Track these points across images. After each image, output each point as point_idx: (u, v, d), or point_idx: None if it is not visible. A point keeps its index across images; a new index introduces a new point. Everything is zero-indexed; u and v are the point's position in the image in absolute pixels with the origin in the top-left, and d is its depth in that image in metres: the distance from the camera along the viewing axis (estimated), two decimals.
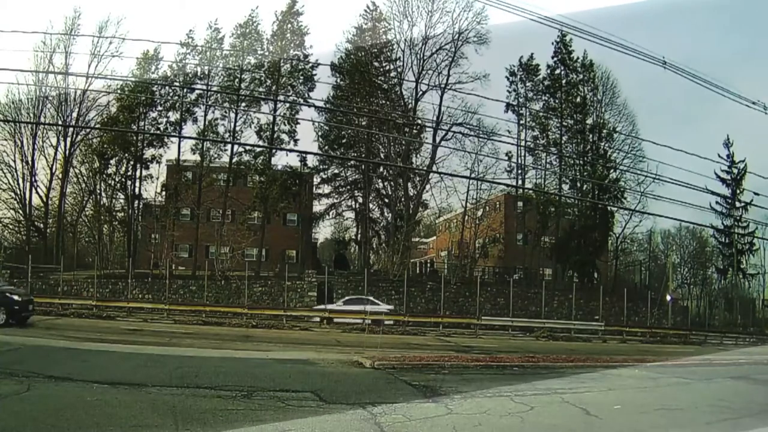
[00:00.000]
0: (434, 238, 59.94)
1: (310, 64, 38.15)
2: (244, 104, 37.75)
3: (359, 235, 43.86)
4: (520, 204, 42.69)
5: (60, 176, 38.52)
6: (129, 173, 38.82)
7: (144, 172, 38.91)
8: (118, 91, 36.50)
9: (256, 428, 6.44)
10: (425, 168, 39.11)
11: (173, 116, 38.20)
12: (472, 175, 37.04)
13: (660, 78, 41.01)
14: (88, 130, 38.65)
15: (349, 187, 43.34)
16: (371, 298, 29.59)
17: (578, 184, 42.21)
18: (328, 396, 8.36)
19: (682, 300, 47.96)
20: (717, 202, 41.70)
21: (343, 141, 41.69)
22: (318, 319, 27.77)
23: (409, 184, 39.78)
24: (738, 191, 41.95)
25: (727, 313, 44.40)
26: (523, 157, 41.33)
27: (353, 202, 43.79)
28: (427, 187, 40.35)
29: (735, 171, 42.47)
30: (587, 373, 12.75)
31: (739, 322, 42.61)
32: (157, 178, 39.30)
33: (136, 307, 28.31)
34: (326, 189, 43.42)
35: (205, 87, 38.13)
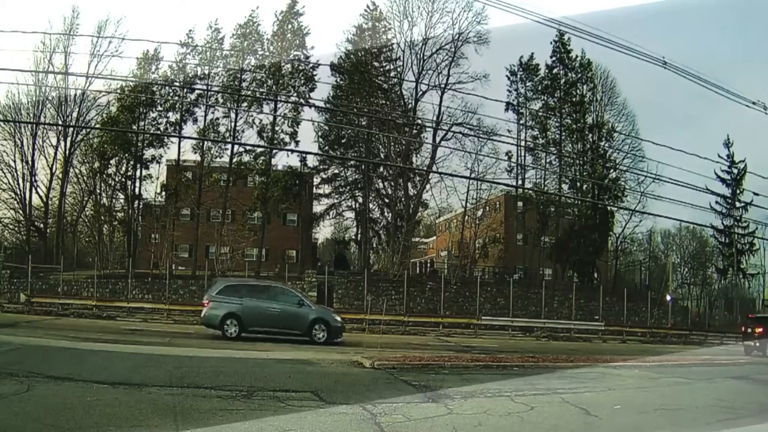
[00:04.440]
0: (434, 238, 59.93)
1: (311, 65, 38.19)
2: (245, 104, 37.77)
3: (359, 235, 43.87)
4: (520, 204, 42.67)
5: (60, 176, 38.51)
6: (129, 173, 38.81)
7: (144, 172, 38.94)
8: (118, 91, 36.48)
9: (256, 428, 6.44)
10: (425, 168, 39.09)
11: (173, 116, 38.24)
12: (472, 175, 37.06)
13: (660, 78, 41.00)
14: (88, 130, 38.64)
15: (349, 187, 43.36)
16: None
17: (578, 184, 42.21)
18: (327, 396, 8.36)
19: (682, 300, 47.96)
20: (717, 202, 41.79)
21: (343, 141, 41.70)
22: None
23: (409, 184, 39.77)
24: (738, 191, 41.98)
25: (727, 313, 44.38)
26: (522, 157, 41.37)
27: (353, 202, 43.85)
28: (427, 187, 40.39)
29: (735, 171, 42.52)
30: (587, 373, 12.75)
31: (739, 322, 42.56)
32: (157, 178, 39.35)
33: (136, 307, 28.30)
34: (326, 189, 43.50)
35: (205, 87, 38.15)
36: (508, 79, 41.39)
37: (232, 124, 37.42)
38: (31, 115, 37.90)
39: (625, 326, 32.57)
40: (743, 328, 25.60)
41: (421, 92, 38.92)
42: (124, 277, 32.28)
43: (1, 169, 37.79)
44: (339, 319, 19.33)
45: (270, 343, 16.73)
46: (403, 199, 39.34)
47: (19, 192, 38.01)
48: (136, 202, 39.52)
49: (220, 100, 37.37)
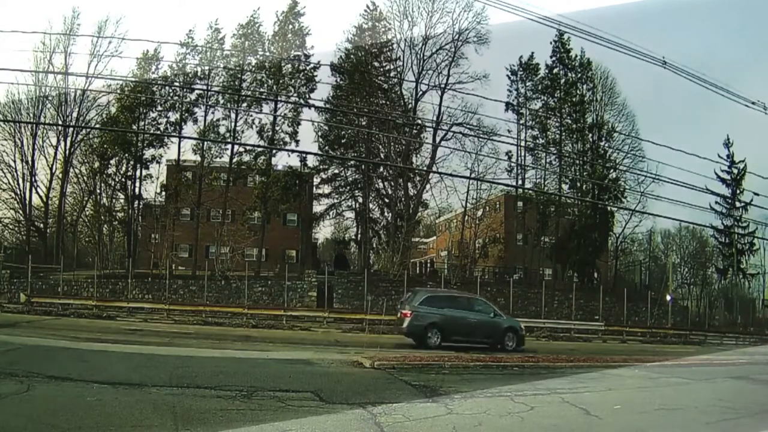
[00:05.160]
0: (434, 238, 59.93)
1: (312, 65, 38.17)
2: (245, 105, 37.76)
3: (359, 235, 43.85)
4: (520, 204, 42.66)
5: (60, 176, 38.52)
6: (129, 173, 38.81)
7: (144, 172, 38.92)
8: (118, 91, 36.47)
9: (256, 428, 6.44)
10: (425, 168, 39.08)
11: (173, 116, 38.23)
12: (472, 175, 37.06)
13: (660, 78, 41.07)
14: (88, 130, 38.65)
15: (349, 187, 43.32)
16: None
17: (578, 184, 42.20)
18: (328, 396, 8.36)
19: (682, 300, 47.95)
20: (717, 202, 41.73)
21: (343, 141, 41.66)
22: None
23: (409, 184, 39.75)
24: (738, 191, 41.97)
25: (727, 313, 44.39)
26: (522, 157, 41.36)
27: (353, 202, 43.80)
28: (427, 187, 40.32)
29: (735, 171, 42.50)
30: (587, 373, 12.75)
31: (739, 322, 42.61)
32: (157, 178, 39.32)
33: (136, 307, 28.29)
34: (326, 189, 43.43)
35: (205, 87, 38.12)
36: (509, 78, 41.41)
37: (232, 124, 37.43)
38: (31, 115, 37.90)
39: (625, 326, 32.57)
40: None
41: (421, 92, 38.94)
42: (124, 277, 32.28)
43: (1, 169, 37.85)
44: (523, 327, 20.32)
45: (271, 343, 16.70)
46: (403, 199, 39.32)
47: (19, 192, 38.05)
48: (136, 202, 39.53)
49: (221, 101, 37.38)
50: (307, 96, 38.30)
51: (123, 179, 38.91)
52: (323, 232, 50.91)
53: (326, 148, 41.15)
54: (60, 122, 37.50)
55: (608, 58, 40.46)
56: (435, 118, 38.39)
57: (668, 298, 38.65)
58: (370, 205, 42.18)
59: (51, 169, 38.33)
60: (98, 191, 39.70)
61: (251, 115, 37.19)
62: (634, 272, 51.52)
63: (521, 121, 41.05)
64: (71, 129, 37.64)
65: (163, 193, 38.80)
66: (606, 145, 41.81)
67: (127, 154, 38.15)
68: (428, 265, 51.91)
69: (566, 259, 41.10)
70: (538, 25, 16.56)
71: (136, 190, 39.01)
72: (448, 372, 11.75)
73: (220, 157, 38.20)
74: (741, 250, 44.37)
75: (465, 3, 38.03)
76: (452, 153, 37.91)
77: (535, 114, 41.10)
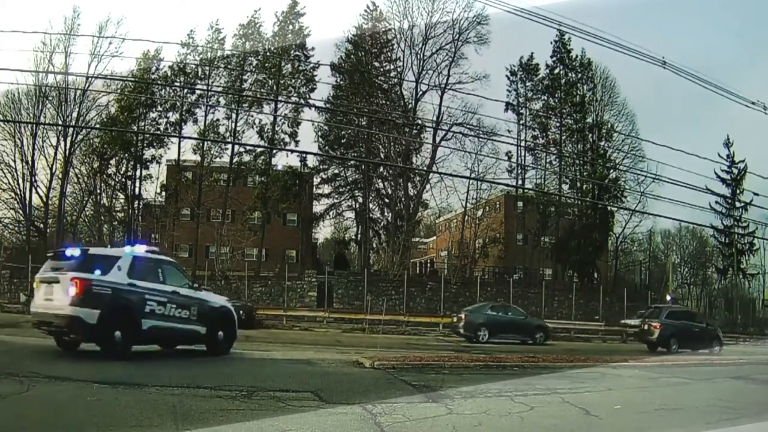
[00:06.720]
0: (434, 238, 59.94)
1: (311, 65, 38.23)
2: (245, 105, 37.79)
3: (359, 235, 43.87)
4: (520, 204, 42.69)
5: (60, 176, 38.50)
6: (129, 173, 38.84)
7: (144, 172, 39.00)
8: (118, 91, 36.47)
9: (256, 428, 6.43)
10: (425, 168, 39.12)
11: (173, 116, 38.28)
12: (472, 175, 37.12)
13: (660, 78, 41.05)
14: (88, 130, 38.64)
15: (349, 187, 43.35)
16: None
17: (578, 184, 42.23)
18: (327, 396, 8.34)
19: (682, 300, 47.96)
20: (717, 202, 41.76)
21: (343, 141, 41.71)
22: None
23: (409, 184, 39.78)
24: (738, 191, 41.98)
25: (727, 313, 44.40)
26: (523, 157, 41.41)
27: (353, 202, 43.85)
28: (427, 187, 40.44)
29: (735, 171, 42.53)
30: (587, 373, 12.73)
31: (739, 322, 42.59)
32: (157, 178, 39.40)
33: None
34: (326, 189, 43.50)
35: (205, 87, 38.14)
36: (508, 78, 41.49)
37: (233, 124, 37.51)
38: (31, 115, 37.86)
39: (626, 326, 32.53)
40: None
41: (421, 92, 39.06)
42: None
43: (1, 169, 37.82)
44: (721, 333, 24.52)
45: (271, 343, 16.67)
46: (403, 199, 39.36)
47: (19, 192, 38.00)
48: (136, 202, 39.54)
49: (221, 101, 37.44)
50: (308, 96, 38.44)
51: (123, 179, 38.97)
52: (323, 232, 50.94)
53: (326, 148, 41.21)
54: (60, 122, 37.47)
55: (608, 58, 40.45)
56: (435, 118, 38.54)
57: (668, 298, 38.67)
58: (370, 205, 42.24)
59: (51, 169, 38.30)
60: (98, 191, 39.69)
61: (251, 115, 37.27)
62: (634, 272, 51.54)
63: (521, 122, 41.10)
64: (71, 129, 37.59)
65: (163, 193, 38.83)
66: (606, 145, 41.90)
67: (127, 154, 38.18)
68: (428, 265, 51.93)
69: (566, 259, 41.12)
70: (538, 24, 16.58)
71: (136, 190, 39.13)
72: (448, 372, 11.73)
73: (220, 157, 38.32)
74: (741, 250, 44.41)
75: (465, 3, 38.15)
76: (452, 153, 38.06)
77: (535, 114, 41.13)
